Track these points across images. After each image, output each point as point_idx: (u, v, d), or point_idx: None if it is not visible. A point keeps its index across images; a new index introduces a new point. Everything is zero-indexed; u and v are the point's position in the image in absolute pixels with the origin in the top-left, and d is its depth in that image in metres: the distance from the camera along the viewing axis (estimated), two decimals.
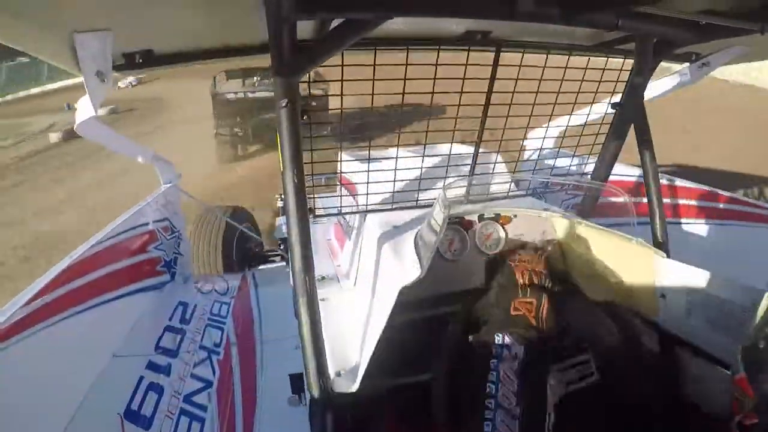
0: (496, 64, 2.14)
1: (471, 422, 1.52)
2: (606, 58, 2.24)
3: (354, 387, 1.64)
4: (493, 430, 1.43)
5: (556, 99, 2.30)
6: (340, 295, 2.32)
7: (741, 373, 1.31)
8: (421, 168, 2.27)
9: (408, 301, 1.72)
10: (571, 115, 2.47)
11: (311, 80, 1.90)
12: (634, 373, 1.75)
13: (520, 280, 1.69)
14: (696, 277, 1.77)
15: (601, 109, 2.38)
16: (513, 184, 2.64)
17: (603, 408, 1.66)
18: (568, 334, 1.76)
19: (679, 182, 3.28)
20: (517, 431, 1.42)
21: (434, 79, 2.06)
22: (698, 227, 3.09)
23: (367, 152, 2.21)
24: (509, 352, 1.53)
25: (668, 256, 1.94)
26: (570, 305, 1.82)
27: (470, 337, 1.67)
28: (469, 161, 2.40)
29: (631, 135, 2.36)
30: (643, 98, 2.25)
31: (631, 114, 2.25)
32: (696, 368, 1.76)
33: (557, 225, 2.16)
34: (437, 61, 2.02)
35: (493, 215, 2.18)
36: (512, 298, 1.67)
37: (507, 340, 1.56)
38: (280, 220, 4.68)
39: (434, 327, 1.82)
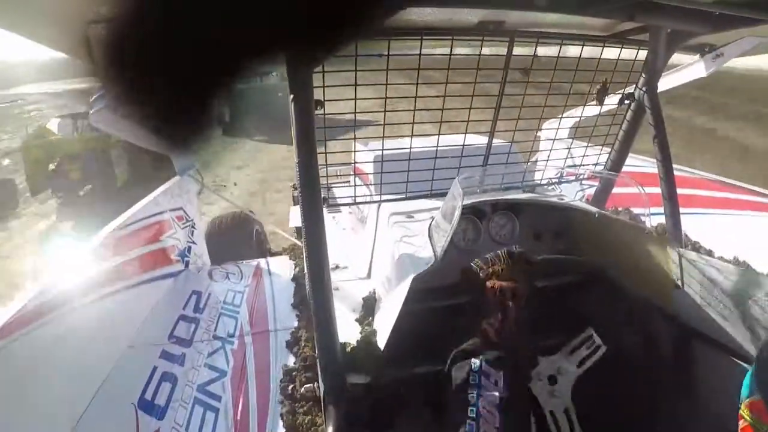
0: (509, 54, 2.13)
1: None
2: (620, 49, 2.23)
3: (368, 376, 1.64)
4: None
5: (570, 89, 2.30)
6: (353, 284, 2.32)
7: (755, 396, 1.23)
8: (435, 158, 2.27)
9: (422, 290, 1.73)
10: (584, 105, 2.46)
11: (325, 71, 1.90)
12: (639, 340, 1.76)
13: (490, 297, 1.66)
14: (710, 268, 1.76)
15: (615, 100, 2.37)
16: (527, 174, 2.64)
17: (621, 375, 1.66)
18: (554, 330, 1.76)
19: (693, 173, 3.27)
20: None
21: (448, 69, 2.06)
22: (712, 218, 3.08)
23: (381, 143, 2.21)
24: (488, 379, 1.50)
25: (682, 247, 1.94)
26: (564, 297, 1.82)
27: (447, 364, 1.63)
28: (483, 151, 2.40)
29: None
30: (657, 89, 2.24)
31: (644, 105, 2.24)
32: (710, 358, 1.76)
33: (571, 215, 2.15)
34: (451, 51, 2.03)
35: (507, 205, 2.18)
36: (482, 317, 1.65)
37: (485, 366, 1.53)
38: (295, 210, 4.68)
39: (448, 316, 1.82)
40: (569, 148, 2.56)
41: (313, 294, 1.68)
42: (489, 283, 1.62)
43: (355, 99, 2.02)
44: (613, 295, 1.87)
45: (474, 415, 1.41)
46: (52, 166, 10.19)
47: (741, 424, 1.26)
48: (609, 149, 2.47)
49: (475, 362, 1.50)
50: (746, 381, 1.26)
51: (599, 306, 1.88)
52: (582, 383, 1.70)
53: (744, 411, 1.25)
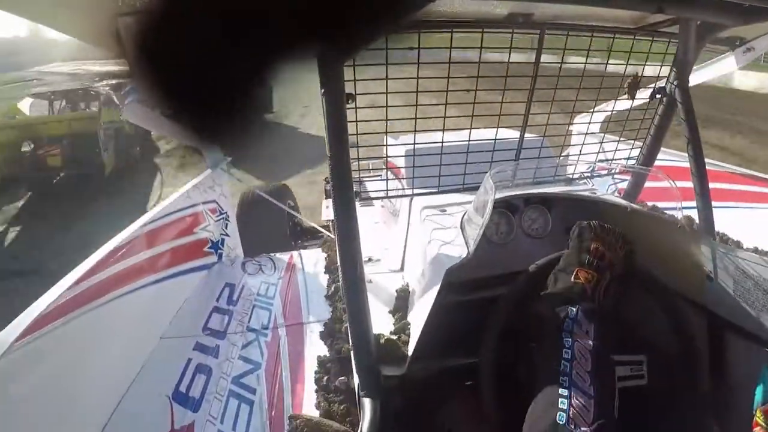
0: (540, 47, 2.13)
1: (540, 396, 1.51)
2: (651, 42, 2.22)
3: (402, 370, 1.65)
4: (569, 409, 1.41)
5: (601, 83, 2.29)
6: (386, 277, 2.33)
7: None
8: (467, 152, 2.28)
9: (455, 283, 1.73)
10: (616, 99, 2.45)
11: (356, 64, 1.91)
12: (681, 382, 1.73)
13: (590, 254, 1.62)
14: (742, 260, 1.75)
15: (647, 94, 2.36)
16: (559, 168, 2.64)
17: (643, 411, 1.66)
18: (626, 326, 1.75)
19: (724, 167, 3.25)
20: (592, 412, 1.40)
21: (479, 63, 2.06)
22: (744, 212, 3.06)
23: (413, 136, 2.22)
24: (580, 328, 1.51)
25: (714, 240, 1.93)
26: (633, 298, 1.81)
27: (542, 293, 1.62)
28: (515, 145, 2.41)
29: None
30: (688, 82, 2.23)
31: (676, 98, 2.23)
32: (744, 351, 1.75)
33: (603, 209, 2.15)
34: (481, 44, 2.03)
35: (540, 199, 2.18)
36: (578, 265, 1.65)
37: (580, 314, 1.51)
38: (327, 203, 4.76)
39: (481, 310, 1.83)
40: (601, 143, 2.56)
41: (347, 287, 1.70)
42: (595, 245, 1.63)
43: (386, 92, 2.03)
44: (645, 287, 1.86)
45: (569, 357, 1.43)
46: (25, 149, 9.11)
47: (757, 431, 1.23)
48: (641, 143, 2.46)
49: (572, 310, 1.51)
50: (761, 386, 1.23)
51: (631, 298, 1.87)
52: None
53: (760, 417, 1.22)
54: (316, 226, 4.36)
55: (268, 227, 4.30)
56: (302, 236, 4.89)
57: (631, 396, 1.63)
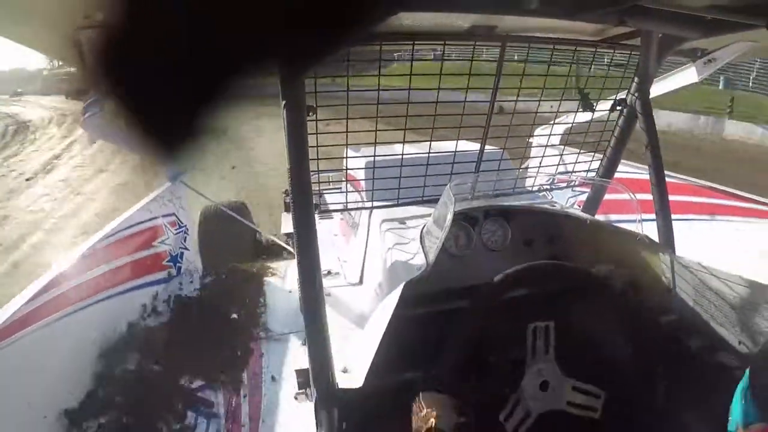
0: (501, 59, 2.13)
1: None
2: (612, 54, 2.23)
3: (359, 383, 1.64)
4: None
5: (562, 95, 2.30)
6: (345, 290, 2.32)
7: (757, 424, 1.18)
8: (427, 164, 2.27)
9: (413, 296, 1.72)
10: (577, 111, 2.46)
11: (317, 76, 1.89)
12: (631, 343, 1.73)
13: None
14: (703, 273, 1.77)
15: (607, 106, 2.38)
16: (518, 180, 2.65)
17: (611, 378, 1.65)
18: (588, 345, 1.74)
19: (684, 179, 3.28)
20: None
21: (440, 74, 2.06)
22: (703, 224, 3.10)
23: (373, 149, 2.21)
24: None
25: (674, 252, 1.95)
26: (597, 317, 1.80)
27: None
28: (475, 158, 2.41)
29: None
30: (649, 94, 2.24)
31: (636, 110, 2.24)
32: (702, 359, 1.76)
33: (562, 222, 2.16)
34: (443, 56, 2.03)
35: (499, 211, 2.18)
36: None
37: None
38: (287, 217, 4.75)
39: (439, 322, 1.82)
40: (561, 155, 2.57)
41: (305, 299, 1.68)
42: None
43: (347, 104, 2.02)
44: (604, 299, 1.87)
45: None
46: None
47: None
48: (601, 155, 2.47)
49: None
50: (738, 402, 1.20)
51: (591, 310, 1.88)
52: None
53: None
54: (277, 240, 4.36)
55: (232, 242, 4.29)
56: (265, 252, 4.89)
57: (577, 427, 1.63)
